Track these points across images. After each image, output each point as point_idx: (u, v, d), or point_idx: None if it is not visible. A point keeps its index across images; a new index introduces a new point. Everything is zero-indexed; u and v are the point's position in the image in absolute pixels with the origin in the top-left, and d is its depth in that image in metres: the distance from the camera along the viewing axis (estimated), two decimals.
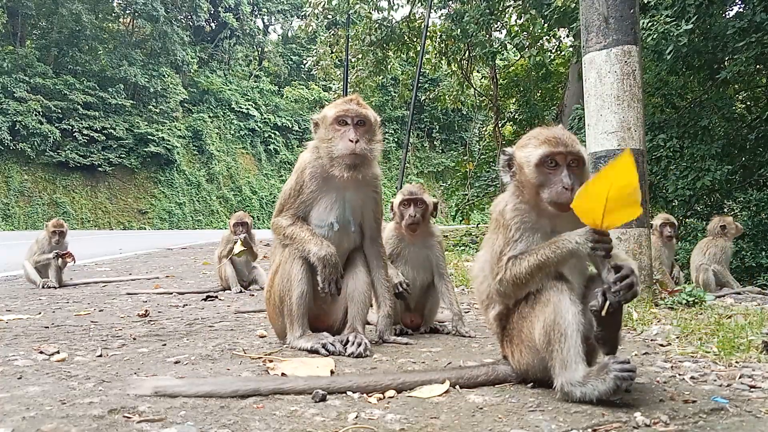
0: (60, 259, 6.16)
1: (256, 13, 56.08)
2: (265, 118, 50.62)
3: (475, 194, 18.06)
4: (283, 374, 2.31)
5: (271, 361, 2.53)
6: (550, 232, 2.08)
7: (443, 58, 16.73)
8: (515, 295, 2.07)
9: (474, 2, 14.20)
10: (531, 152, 2.06)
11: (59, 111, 38.32)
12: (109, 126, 40.37)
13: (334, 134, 2.80)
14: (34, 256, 6.26)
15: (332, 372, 2.37)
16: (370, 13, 16.48)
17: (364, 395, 2.02)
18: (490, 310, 2.23)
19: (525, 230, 2.06)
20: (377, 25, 16.22)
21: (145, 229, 39.09)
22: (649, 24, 8.23)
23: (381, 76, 18.38)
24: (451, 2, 16.59)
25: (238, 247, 5.82)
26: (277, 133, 51.16)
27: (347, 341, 2.76)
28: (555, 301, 1.96)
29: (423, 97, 21.99)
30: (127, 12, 44.82)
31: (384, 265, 3.11)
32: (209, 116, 47.87)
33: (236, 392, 1.99)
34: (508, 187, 2.17)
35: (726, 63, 10.27)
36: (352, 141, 2.75)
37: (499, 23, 15.65)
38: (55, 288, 6.03)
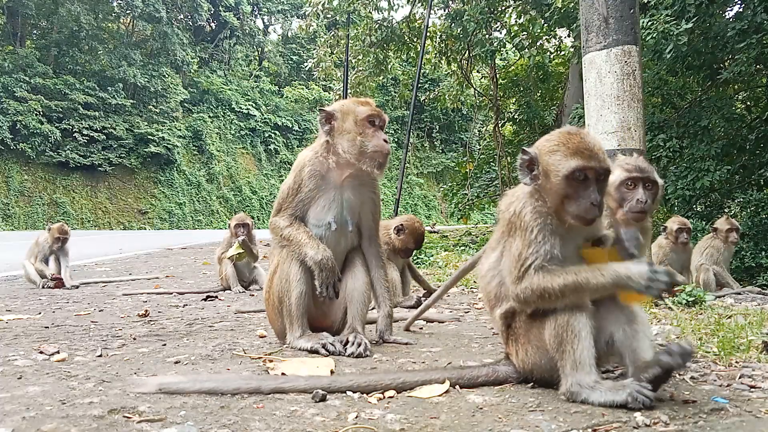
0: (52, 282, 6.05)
1: (256, 13, 56.07)
2: (265, 118, 50.60)
3: (475, 194, 18.07)
4: (283, 374, 2.31)
5: (271, 361, 2.53)
6: (566, 235, 2.05)
7: (443, 57, 16.72)
8: (536, 306, 2.00)
9: (474, 1, 14.20)
10: (561, 162, 1.97)
11: (59, 111, 38.31)
12: (109, 126, 40.34)
13: (365, 131, 2.83)
14: (36, 264, 6.24)
15: (332, 372, 2.37)
16: (371, 13, 16.47)
17: (364, 395, 2.02)
18: (497, 308, 2.21)
19: (547, 233, 1.99)
20: (377, 26, 16.22)
21: (145, 229, 39.07)
22: (649, 23, 8.23)
23: (381, 77, 18.38)
24: (451, 2, 16.59)
25: (234, 250, 5.79)
26: (277, 133, 51.15)
27: (347, 341, 2.76)
28: None
29: (423, 97, 21.99)
30: (127, 12, 44.79)
31: (383, 265, 3.11)
32: (209, 116, 47.85)
33: (238, 390, 1.99)
34: (523, 187, 2.11)
35: (726, 63, 10.27)
36: (387, 142, 2.83)
37: (498, 23, 15.64)
38: (54, 288, 6.02)
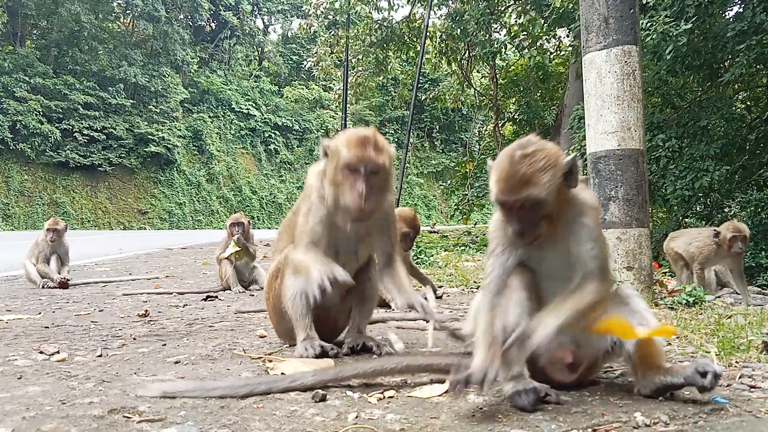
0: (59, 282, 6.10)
1: (256, 13, 56.06)
2: (265, 118, 50.58)
3: (475, 194, 18.08)
4: (283, 374, 2.31)
5: (271, 361, 2.53)
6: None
7: (443, 57, 16.73)
8: None
9: (474, 1, 14.20)
10: None
11: (59, 111, 38.30)
12: (109, 126, 40.33)
13: (344, 180, 2.46)
14: (38, 265, 6.24)
15: None
16: (370, 13, 16.48)
17: (364, 395, 2.02)
18: None
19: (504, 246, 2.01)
20: (377, 26, 16.22)
21: (145, 229, 39.07)
22: (649, 24, 8.23)
23: (381, 77, 18.40)
24: (450, 2, 16.60)
25: (232, 248, 5.81)
26: (277, 133, 51.12)
27: (351, 345, 2.77)
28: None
29: (423, 97, 21.99)
30: (128, 12, 44.80)
31: (398, 266, 3.06)
32: (209, 116, 47.84)
33: (250, 394, 1.99)
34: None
35: (726, 64, 10.27)
36: (360, 196, 2.40)
37: (498, 24, 15.65)
38: (55, 288, 6.03)
